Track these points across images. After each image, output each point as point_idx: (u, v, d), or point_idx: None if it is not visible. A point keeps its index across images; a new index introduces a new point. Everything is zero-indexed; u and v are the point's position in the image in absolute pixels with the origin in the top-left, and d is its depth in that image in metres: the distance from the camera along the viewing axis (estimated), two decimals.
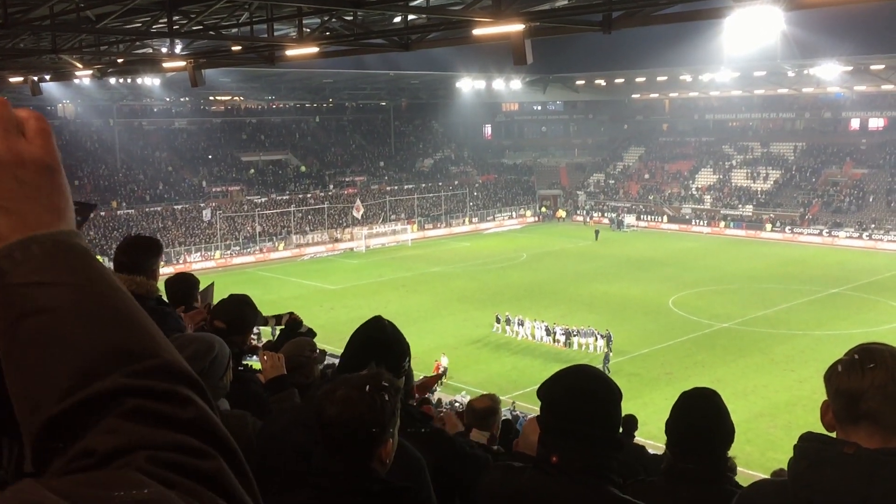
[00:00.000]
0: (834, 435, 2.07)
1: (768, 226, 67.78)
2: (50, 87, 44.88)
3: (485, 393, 5.78)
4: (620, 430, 2.60)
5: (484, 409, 5.46)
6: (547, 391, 2.52)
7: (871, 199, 67.15)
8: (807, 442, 2.06)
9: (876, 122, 74.68)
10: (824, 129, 76.79)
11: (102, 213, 59.96)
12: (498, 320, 38.33)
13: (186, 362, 3.30)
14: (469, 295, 45.17)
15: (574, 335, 35.49)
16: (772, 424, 25.78)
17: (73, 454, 0.82)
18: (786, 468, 3.46)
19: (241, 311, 4.18)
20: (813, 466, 1.98)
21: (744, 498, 2.31)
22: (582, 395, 2.44)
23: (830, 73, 63.37)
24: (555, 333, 36.03)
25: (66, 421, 0.84)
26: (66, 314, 0.90)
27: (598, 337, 34.74)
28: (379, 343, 3.15)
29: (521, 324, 37.46)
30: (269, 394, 4.07)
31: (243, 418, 3.48)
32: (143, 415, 0.85)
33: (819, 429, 2.18)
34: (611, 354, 32.74)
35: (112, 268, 4.49)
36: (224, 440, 0.88)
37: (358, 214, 66.89)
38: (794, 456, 2.07)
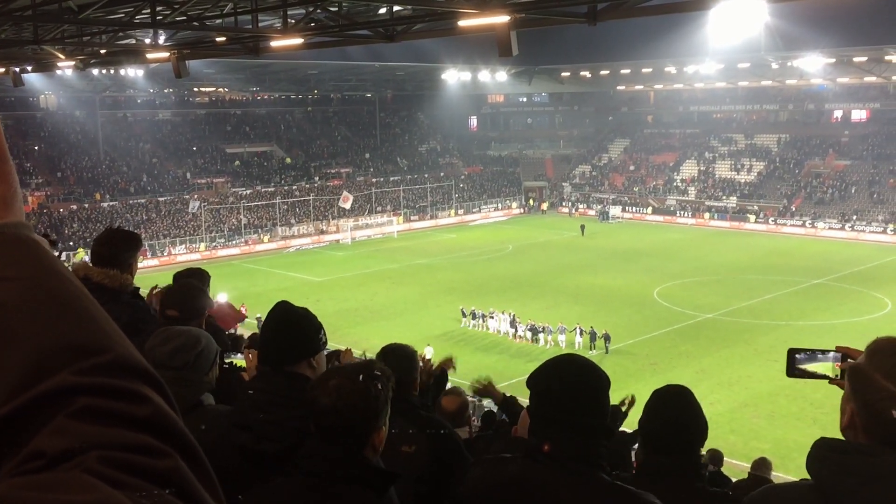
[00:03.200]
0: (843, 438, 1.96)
1: (752, 217, 68.19)
2: (32, 78, 44.42)
3: (448, 390, 5.77)
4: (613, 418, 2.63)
5: (458, 408, 5.48)
6: (537, 380, 2.54)
7: (853, 191, 67.67)
8: (843, 454, 1.85)
9: (858, 114, 75.22)
10: (807, 121, 77.27)
11: (86, 206, 59.55)
12: (464, 314, 37.76)
13: (171, 355, 3.29)
14: (455, 286, 45.21)
15: (540, 332, 34.79)
16: (755, 414, 26.00)
17: (23, 456, 0.79)
18: (767, 458, 3.45)
19: (192, 296, 4.14)
20: (868, 484, 1.78)
21: None
22: (572, 384, 2.46)
23: (814, 66, 63.76)
24: (516, 329, 35.51)
25: (14, 422, 0.81)
26: (13, 310, 0.87)
27: (580, 332, 34.13)
28: (289, 322, 3.22)
29: (491, 316, 36.93)
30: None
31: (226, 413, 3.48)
32: (94, 414, 0.81)
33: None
34: (609, 343, 33.02)
35: (90, 260, 4.47)
36: (182, 438, 0.84)
37: (346, 205, 66.67)
38: (831, 470, 1.85)
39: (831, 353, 2.75)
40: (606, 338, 33.14)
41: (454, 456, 3.51)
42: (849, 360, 2.70)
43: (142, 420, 0.83)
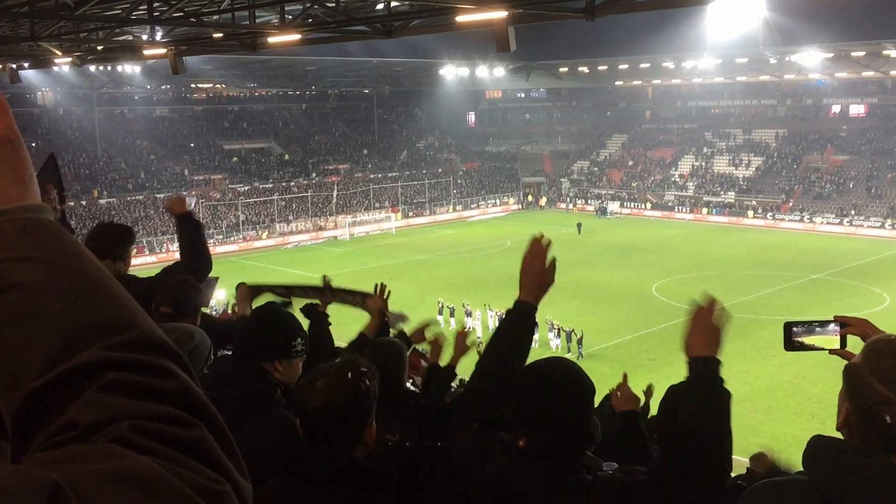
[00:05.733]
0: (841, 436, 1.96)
1: (750, 212, 68.21)
2: (29, 75, 44.34)
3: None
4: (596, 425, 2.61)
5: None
6: (520, 380, 2.56)
7: (851, 186, 67.70)
8: (838, 453, 1.85)
9: (856, 109, 75.21)
10: (805, 116, 77.26)
11: (83, 202, 59.46)
12: (441, 311, 36.59)
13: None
14: (454, 282, 45.22)
15: None
16: (753, 409, 26.04)
17: (56, 428, 0.83)
18: (765, 453, 3.41)
19: (184, 293, 4.13)
20: (865, 483, 1.78)
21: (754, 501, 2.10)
22: (555, 388, 2.47)
23: (811, 60, 63.76)
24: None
25: (46, 395, 0.84)
26: (42, 289, 0.89)
27: (557, 332, 33.08)
28: (268, 321, 3.23)
29: (468, 314, 36.01)
30: None
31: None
32: (124, 387, 0.85)
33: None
34: (581, 347, 31.97)
35: None
36: (206, 409, 0.88)
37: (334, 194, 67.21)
38: (827, 468, 1.85)
39: (830, 325, 2.74)
40: (580, 341, 32.07)
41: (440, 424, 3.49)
42: (847, 327, 2.68)
43: (169, 393, 0.87)
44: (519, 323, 2.88)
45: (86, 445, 0.80)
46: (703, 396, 2.50)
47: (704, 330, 2.63)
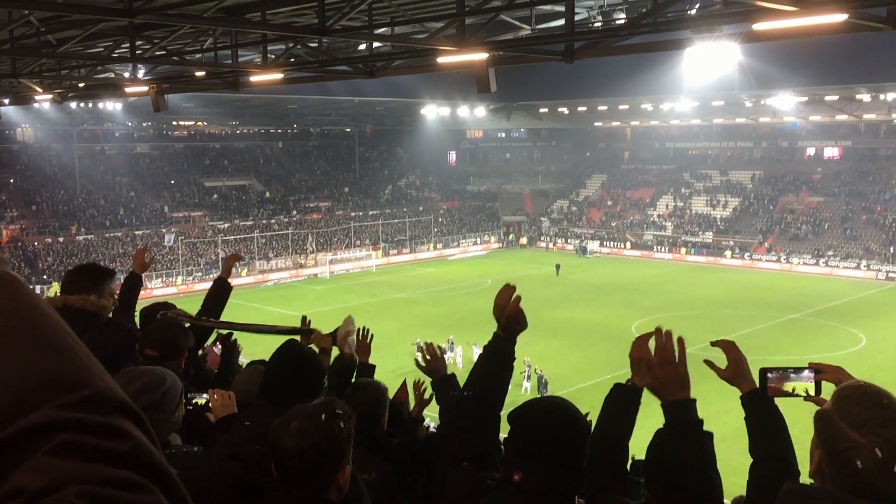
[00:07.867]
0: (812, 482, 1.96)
1: (728, 252, 68.81)
2: (9, 111, 44.24)
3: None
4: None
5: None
6: (518, 417, 2.58)
7: (826, 227, 68.58)
8: (813, 501, 1.85)
9: (831, 152, 76.54)
10: (781, 158, 78.49)
11: (61, 239, 58.92)
12: (419, 349, 36.75)
13: (136, 395, 3.23)
14: (434, 321, 45.08)
15: None
16: (733, 449, 25.79)
17: (1, 495, 0.77)
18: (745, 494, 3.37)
19: (171, 335, 4.12)
20: None
21: None
22: (554, 426, 2.51)
23: (786, 104, 64.92)
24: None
25: None
26: None
27: (528, 376, 32.42)
28: (297, 362, 3.20)
29: (450, 349, 35.69)
30: (219, 434, 3.86)
31: (197, 454, 3.42)
32: (73, 450, 0.79)
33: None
34: (546, 390, 31.17)
35: (62, 290, 4.61)
36: (162, 472, 0.83)
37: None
38: None
39: (805, 371, 2.75)
40: (545, 384, 31.57)
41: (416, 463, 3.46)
42: (822, 373, 2.70)
43: (122, 455, 0.81)
44: (492, 357, 2.97)
45: None
46: (684, 444, 2.52)
47: (669, 367, 2.67)
